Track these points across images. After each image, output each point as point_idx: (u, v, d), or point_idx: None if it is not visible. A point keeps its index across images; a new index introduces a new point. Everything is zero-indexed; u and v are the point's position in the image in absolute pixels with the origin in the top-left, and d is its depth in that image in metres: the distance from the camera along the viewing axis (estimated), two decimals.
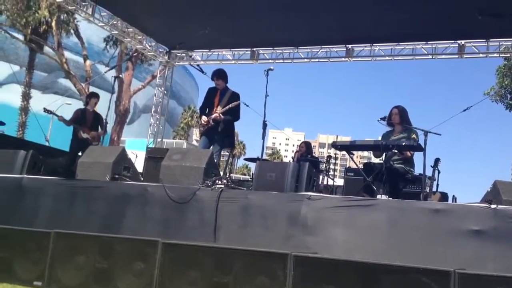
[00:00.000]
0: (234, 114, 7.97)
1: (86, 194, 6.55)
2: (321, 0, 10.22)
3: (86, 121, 9.38)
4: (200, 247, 4.91)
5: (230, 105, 7.83)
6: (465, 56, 11.97)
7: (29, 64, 29.17)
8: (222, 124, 7.87)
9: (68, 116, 9.47)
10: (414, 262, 4.21)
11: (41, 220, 6.48)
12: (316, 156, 13.58)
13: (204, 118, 8.03)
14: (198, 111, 8.70)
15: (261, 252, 4.62)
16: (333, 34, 12.22)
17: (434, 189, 7.68)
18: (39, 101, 26.38)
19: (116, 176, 6.70)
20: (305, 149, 10.41)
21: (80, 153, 8.47)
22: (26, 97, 28.68)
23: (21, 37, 27.85)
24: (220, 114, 7.80)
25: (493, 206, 4.82)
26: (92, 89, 25.20)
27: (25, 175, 7.17)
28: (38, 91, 36.90)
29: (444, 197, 8.11)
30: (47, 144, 13.69)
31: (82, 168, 6.92)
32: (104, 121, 9.53)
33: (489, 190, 5.52)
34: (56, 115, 9.28)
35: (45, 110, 9.50)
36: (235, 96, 8.04)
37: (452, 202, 8.06)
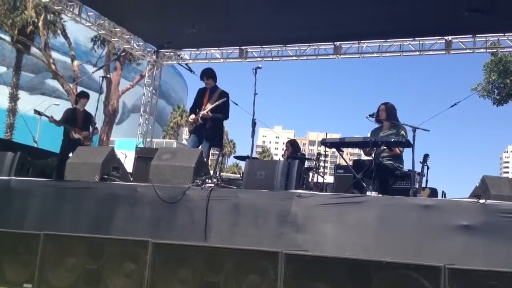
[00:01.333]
0: (222, 112, 7.98)
1: (75, 195, 6.52)
2: None
3: (77, 121, 9.34)
4: (191, 246, 4.90)
5: (217, 102, 7.83)
6: (452, 52, 12.02)
7: (16, 65, 28.98)
8: (210, 121, 7.87)
9: (57, 117, 9.42)
10: (405, 258, 4.23)
11: (30, 222, 6.45)
12: (305, 153, 13.57)
13: (192, 116, 8.03)
14: (188, 111, 8.69)
15: (252, 250, 4.62)
16: (321, 31, 12.21)
17: (423, 185, 7.71)
18: (27, 102, 26.25)
19: (105, 176, 6.67)
20: (292, 148, 10.33)
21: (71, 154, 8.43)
22: (13, 98, 28.48)
23: (7, 38, 27.65)
24: (208, 112, 7.80)
25: (481, 201, 4.85)
26: (80, 89, 25.02)
27: (13, 177, 7.13)
28: (26, 92, 36.70)
29: (433, 192, 8.14)
30: (35, 145, 13.61)
31: (71, 168, 6.88)
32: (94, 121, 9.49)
33: (477, 185, 5.55)
34: (47, 116, 9.23)
35: (36, 111, 9.46)
36: (224, 95, 8.05)
37: (442, 197, 8.10)
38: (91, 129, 9.49)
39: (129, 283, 4.86)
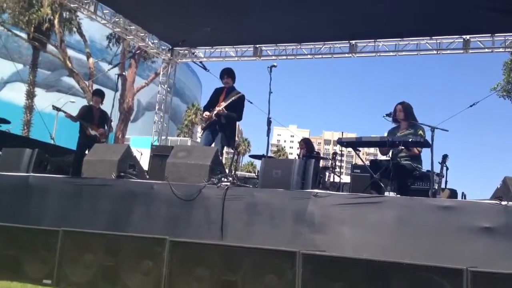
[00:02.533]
0: (237, 111, 7.95)
1: (92, 192, 6.54)
2: None
3: (93, 118, 9.40)
4: (209, 245, 4.90)
5: (233, 98, 7.82)
6: (470, 51, 11.91)
7: (32, 63, 29.24)
8: (224, 119, 7.85)
9: (73, 114, 9.50)
10: (423, 259, 4.18)
11: (47, 218, 6.47)
12: (319, 152, 13.52)
13: (206, 112, 8.02)
14: (202, 109, 8.69)
15: (269, 250, 4.60)
16: (336, 30, 12.18)
17: (442, 186, 7.62)
18: (43, 99, 26.46)
19: (122, 174, 6.68)
20: (306, 146, 10.30)
21: (87, 151, 8.47)
22: (30, 95, 28.74)
23: (24, 35, 27.89)
24: (223, 109, 7.77)
25: (503, 202, 4.77)
26: (95, 87, 25.21)
27: (31, 174, 7.17)
28: (42, 89, 36.92)
29: (453, 194, 8.04)
30: (52, 142, 13.67)
31: (88, 166, 6.90)
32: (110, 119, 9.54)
33: (499, 186, 5.47)
34: (64, 112, 9.31)
35: (54, 107, 9.54)
36: (240, 96, 8.02)
37: (462, 199, 8.00)
38: (106, 127, 9.53)
39: (147, 281, 4.88)
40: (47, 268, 5.30)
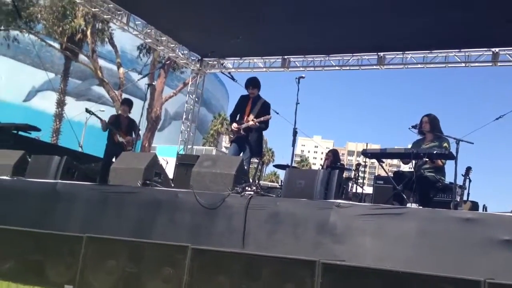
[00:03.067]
0: (264, 123, 8.03)
1: (118, 199, 6.64)
2: (352, 8, 10.20)
3: (121, 126, 9.57)
4: (229, 253, 4.93)
5: (262, 118, 7.88)
6: (499, 64, 11.79)
7: (64, 72, 29.86)
8: (255, 133, 7.92)
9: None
10: (444, 271, 4.15)
11: (74, 224, 6.59)
12: (344, 163, 13.50)
13: (234, 125, 8.10)
14: (229, 118, 8.78)
15: (289, 259, 4.61)
16: (364, 41, 12.19)
17: (464, 198, 7.57)
18: (73, 108, 26.98)
19: (148, 182, 6.77)
20: (333, 157, 10.35)
21: (115, 158, 8.63)
22: (60, 104, 29.29)
23: (57, 45, 28.47)
24: (256, 123, 7.84)
25: None
26: (125, 96, 25.55)
27: (59, 180, 7.31)
28: (72, 98, 37.64)
29: (474, 206, 7.99)
30: (80, 150, 13.94)
31: (115, 173, 7.02)
32: (138, 127, 9.71)
33: None
34: (97, 116, 9.51)
35: (87, 110, 9.75)
36: (266, 105, 8.10)
37: (483, 211, 7.93)
38: (134, 134, 9.69)
39: None
40: (70, 273, 5.36)
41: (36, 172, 7.47)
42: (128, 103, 10.00)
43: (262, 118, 7.90)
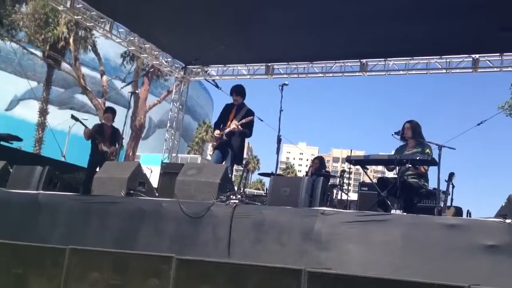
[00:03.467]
0: (248, 128, 8.04)
1: (101, 210, 6.57)
2: (335, 16, 10.28)
3: (104, 135, 9.50)
4: (215, 263, 4.90)
5: (244, 120, 7.89)
6: (479, 70, 11.93)
7: (46, 80, 29.53)
8: (237, 137, 7.92)
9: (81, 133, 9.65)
10: (429, 278, 4.17)
11: (56, 236, 6.52)
12: (329, 170, 13.55)
13: (217, 131, 8.09)
14: (213, 126, 8.79)
15: (275, 268, 4.59)
16: (347, 49, 12.28)
17: (448, 203, 7.63)
18: (56, 116, 26.73)
19: (131, 191, 6.72)
20: (319, 164, 10.42)
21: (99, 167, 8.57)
22: (43, 112, 29.00)
23: (39, 53, 28.22)
24: (239, 126, 7.84)
25: (507, 220, 4.76)
26: (108, 104, 25.40)
27: (41, 191, 7.21)
28: (55, 107, 37.31)
29: (458, 211, 8.04)
30: (63, 159, 13.82)
31: (98, 183, 6.96)
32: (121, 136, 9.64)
33: (503, 204, 5.46)
34: (82, 123, 9.43)
35: (72, 116, 9.65)
36: (250, 113, 8.13)
37: (467, 216, 7.99)
38: (117, 144, 9.63)
39: None
40: (52, 286, 5.27)
41: (18, 183, 7.37)
42: (111, 111, 9.92)
43: (244, 120, 7.90)
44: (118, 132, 9.68)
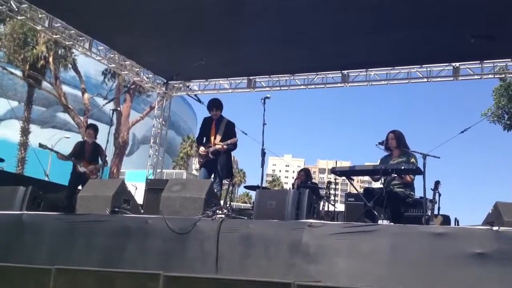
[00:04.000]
0: (232, 144, 8.03)
1: (86, 229, 6.50)
2: (316, 29, 10.34)
3: (84, 153, 9.40)
4: (203, 279, 4.86)
5: (229, 141, 7.90)
6: (460, 78, 12.05)
7: (27, 100, 29.34)
8: (223, 155, 7.90)
9: (67, 150, 9.56)
10: (418, 287, 4.17)
11: (41, 256, 6.43)
12: (316, 182, 13.56)
13: (202, 148, 8.06)
14: (196, 141, 8.76)
15: (264, 282, 4.56)
16: (328, 61, 12.33)
17: (435, 212, 7.65)
18: (38, 136, 26.46)
19: (116, 209, 6.67)
20: (305, 176, 10.43)
21: (80, 187, 8.49)
22: (25, 132, 28.77)
23: (19, 73, 28.03)
24: (224, 146, 7.83)
25: (495, 228, 4.79)
26: (90, 122, 25.25)
27: (25, 211, 7.13)
28: (37, 126, 37.05)
29: (446, 220, 8.07)
30: (46, 179, 13.66)
31: (82, 202, 6.90)
32: (104, 153, 9.56)
33: (490, 212, 5.50)
34: (53, 150, 9.37)
35: (40, 145, 9.56)
36: (230, 125, 8.14)
37: (455, 224, 8.02)
38: (100, 160, 9.54)
39: None
40: None
41: (1, 204, 7.26)
42: (93, 128, 9.84)
43: (229, 141, 7.91)
44: (100, 148, 9.60)
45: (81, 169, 9.27)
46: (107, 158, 9.90)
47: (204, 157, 8.02)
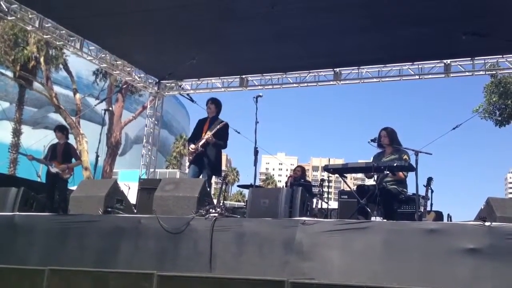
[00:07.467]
0: (222, 139, 8.03)
1: (79, 229, 6.47)
2: (308, 27, 10.34)
3: (56, 155, 9.57)
4: (197, 278, 4.85)
5: (218, 126, 7.90)
6: (451, 75, 12.11)
7: (19, 101, 29.19)
8: (213, 148, 7.89)
9: None
10: (411, 283, 4.19)
11: (34, 257, 6.40)
12: (309, 179, 13.59)
13: (192, 145, 8.06)
14: (187, 142, 8.76)
15: (258, 280, 4.56)
16: (321, 59, 12.35)
17: (428, 208, 7.68)
18: (30, 136, 26.37)
19: (109, 209, 6.65)
20: (301, 173, 10.55)
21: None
22: (16, 133, 28.60)
23: (9, 73, 27.86)
24: (211, 137, 7.83)
25: (487, 223, 4.81)
26: (82, 122, 25.28)
27: (17, 213, 7.11)
28: (29, 127, 36.85)
29: (438, 216, 8.10)
30: (38, 180, 13.60)
31: (75, 202, 6.87)
32: (96, 154, 9.56)
33: (482, 207, 5.52)
34: (20, 153, 9.55)
35: (9, 150, 9.78)
36: (224, 125, 8.11)
37: (447, 220, 8.06)
38: (73, 159, 9.74)
39: None
40: None
41: None
42: (59, 129, 10.11)
43: (218, 126, 7.90)
44: (71, 147, 9.99)
45: (53, 170, 9.49)
46: (98, 158, 9.93)
47: (193, 153, 8.01)
